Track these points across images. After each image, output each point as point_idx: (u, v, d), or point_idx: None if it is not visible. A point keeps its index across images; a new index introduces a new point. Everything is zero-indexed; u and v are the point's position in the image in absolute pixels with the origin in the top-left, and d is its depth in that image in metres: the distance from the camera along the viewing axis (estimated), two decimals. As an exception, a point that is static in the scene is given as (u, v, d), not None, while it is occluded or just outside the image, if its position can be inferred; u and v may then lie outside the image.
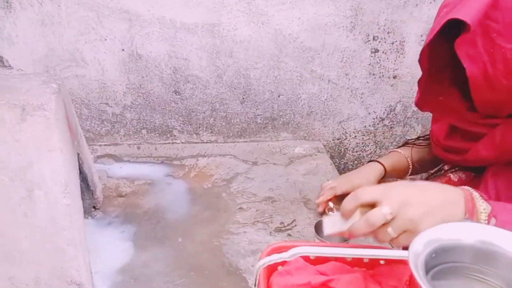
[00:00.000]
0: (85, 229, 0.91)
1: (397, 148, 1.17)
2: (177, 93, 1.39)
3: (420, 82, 0.87)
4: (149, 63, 1.33)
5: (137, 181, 1.27)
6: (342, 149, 1.59)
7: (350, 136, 1.57)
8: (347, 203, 0.64)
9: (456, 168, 0.97)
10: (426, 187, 0.66)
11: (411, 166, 1.13)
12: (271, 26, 1.32)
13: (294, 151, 1.47)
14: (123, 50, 1.30)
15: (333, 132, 1.54)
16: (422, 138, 1.14)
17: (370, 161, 1.17)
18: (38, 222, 0.79)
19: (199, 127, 1.47)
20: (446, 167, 1.00)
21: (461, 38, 0.72)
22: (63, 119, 0.81)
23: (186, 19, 1.27)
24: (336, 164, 1.58)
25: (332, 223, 0.68)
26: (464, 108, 0.83)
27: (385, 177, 1.15)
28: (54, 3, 1.21)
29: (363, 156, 1.62)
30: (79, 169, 0.97)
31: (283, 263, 0.80)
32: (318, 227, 0.99)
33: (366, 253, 0.63)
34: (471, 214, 0.62)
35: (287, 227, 1.12)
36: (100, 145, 1.42)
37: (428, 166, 1.13)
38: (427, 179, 1.07)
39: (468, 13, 0.71)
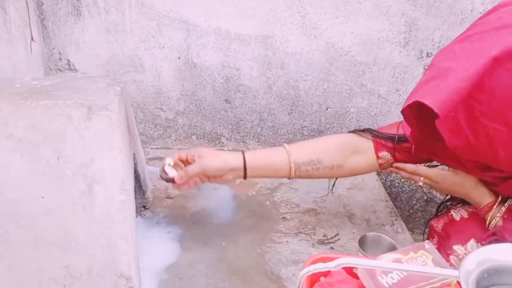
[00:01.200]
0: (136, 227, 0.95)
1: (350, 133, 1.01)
2: (228, 102, 1.43)
3: (411, 134, 0.86)
4: (203, 72, 1.38)
5: (185, 185, 1.30)
6: (389, 166, 1.57)
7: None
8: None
9: (459, 205, 0.97)
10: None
11: (293, 167, 0.96)
12: (323, 39, 1.34)
13: (339, 165, 1.47)
14: (179, 58, 1.35)
15: (380, 147, 1.52)
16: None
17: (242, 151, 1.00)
18: (95, 216, 0.83)
19: (247, 135, 1.50)
20: (448, 203, 1.00)
21: (441, 118, 0.71)
22: (124, 120, 0.86)
23: (241, 30, 1.31)
24: (382, 181, 1.56)
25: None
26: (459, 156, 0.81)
27: (247, 173, 0.97)
28: (119, 12, 1.28)
29: (411, 174, 1.59)
30: (134, 168, 1.01)
31: (326, 274, 0.80)
32: (362, 242, 0.98)
33: (413, 269, 0.63)
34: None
35: (330, 240, 1.12)
36: (152, 148, 1.48)
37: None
38: (436, 213, 1.06)
39: (440, 97, 0.71)
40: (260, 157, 0.96)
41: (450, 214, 0.97)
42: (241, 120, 1.46)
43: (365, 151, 0.97)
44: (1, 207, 0.81)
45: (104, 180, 0.82)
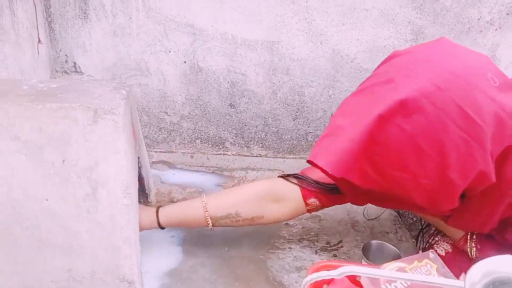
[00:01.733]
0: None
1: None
2: (232, 107, 1.43)
3: (344, 191, 0.90)
4: (208, 76, 1.38)
5: (189, 189, 1.31)
6: (393, 173, 1.56)
7: (402, 160, 1.54)
8: None
9: (438, 238, 0.98)
10: None
11: (210, 222, 0.96)
12: (329, 46, 1.34)
13: (343, 171, 1.46)
14: (185, 62, 1.36)
15: (385, 155, 1.52)
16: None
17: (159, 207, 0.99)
18: (99, 219, 0.84)
19: (251, 140, 1.49)
20: (431, 241, 1.00)
21: (341, 173, 0.75)
22: (129, 123, 0.87)
23: (247, 35, 1.31)
24: (386, 187, 1.55)
25: None
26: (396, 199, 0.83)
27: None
28: (126, 16, 1.29)
29: (415, 182, 1.58)
30: (138, 172, 1.02)
31: (329, 282, 0.80)
32: (365, 250, 0.98)
33: (418, 278, 0.62)
34: None
35: (333, 247, 1.11)
36: (156, 152, 1.48)
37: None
38: (417, 241, 1.08)
39: (330, 160, 0.75)
40: (175, 214, 0.96)
41: (433, 249, 0.97)
42: (246, 125, 1.46)
43: (290, 198, 0.95)
44: (6, 208, 0.81)
45: (109, 183, 0.82)
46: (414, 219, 1.63)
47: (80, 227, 0.83)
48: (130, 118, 0.88)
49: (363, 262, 0.94)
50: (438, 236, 1.01)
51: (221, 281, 0.98)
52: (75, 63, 1.35)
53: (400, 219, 1.24)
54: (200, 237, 1.11)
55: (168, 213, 0.96)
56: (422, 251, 1.02)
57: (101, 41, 1.32)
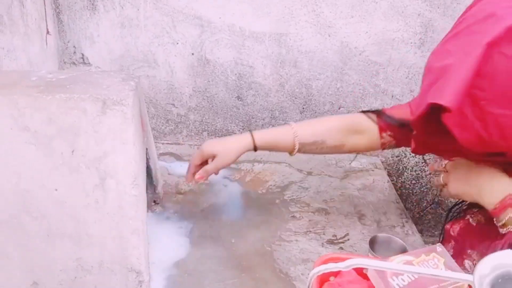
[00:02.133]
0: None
1: (360, 113, 1.06)
2: (240, 99, 1.43)
3: (414, 137, 0.85)
4: (216, 68, 1.38)
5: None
6: (401, 167, 1.56)
7: (410, 154, 1.53)
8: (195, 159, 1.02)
9: (475, 210, 0.94)
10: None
11: (296, 148, 1.04)
12: (337, 38, 1.33)
13: (350, 165, 1.46)
14: (192, 54, 1.36)
15: (392, 150, 1.51)
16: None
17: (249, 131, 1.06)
18: (107, 209, 0.84)
19: (258, 133, 1.49)
20: (465, 207, 0.97)
21: (448, 114, 0.71)
22: (138, 115, 0.87)
23: (255, 27, 1.31)
24: (393, 182, 1.55)
25: None
26: (464, 149, 0.78)
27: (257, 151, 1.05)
28: (134, 7, 1.29)
29: (422, 176, 1.58)
30: (146, 163, 1.02)
31: (336, 274, 0.80)
32: (372, 243, 0.98)
33: (425, 271, 0.62)
34: None
35: (339, 240, 1.11)
36: (163, 143, 1.48)
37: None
38: (446, 217, 1.03)
39: (450, 93, 0.71)
40: (268, 138, 1.03)
41: (466, 218, 0.95)
42: (253, 118, 1.46)
43: (368, 131, 1.03)
44: (15, 198, 0.82)
45: (117, 174, 0.83)
46: (421, 213, 1.63)
47: (89, 217, 0.84)
48: (139, 109, 0.88)
49: (370, 255, 0.94)
50: (476, 209, 0.98)
51: (227, 273, 0.99)
52: (83, 54, 1.36)
53: (406, 213, 1.24)
54: (207, 229, 1.12)
55: (262, 135, 1.03)
56: (453, 221, 0.99)
57: (109, 33, 1.32)
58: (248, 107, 1.44)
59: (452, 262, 0.75)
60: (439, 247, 0.77)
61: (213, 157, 1.02)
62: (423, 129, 0.82)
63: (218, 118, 1.47)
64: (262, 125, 1.47)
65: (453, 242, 0.96)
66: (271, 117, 1.46)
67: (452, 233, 0.96)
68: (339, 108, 1.44)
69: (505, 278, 0.50)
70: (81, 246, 0.86)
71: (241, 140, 1.02)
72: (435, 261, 0.75)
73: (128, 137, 0.82)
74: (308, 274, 0.88)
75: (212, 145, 1.04)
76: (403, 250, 0.94)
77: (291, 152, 1.05)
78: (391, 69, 1.37)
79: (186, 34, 1.33)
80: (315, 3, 1.28)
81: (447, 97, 0.70)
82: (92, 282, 0.88)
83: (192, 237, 1.09)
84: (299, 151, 1.04)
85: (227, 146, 1.03)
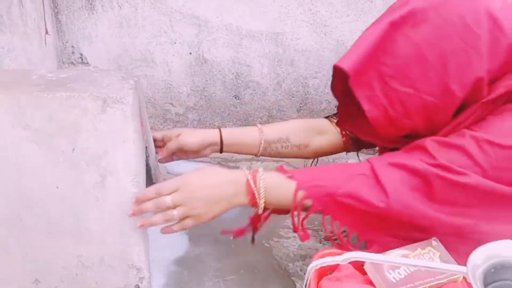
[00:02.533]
0: (146, 218, 0.97)
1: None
2: (237, 98, 1.44)
3: (338, 107, 0.96)
4: (213, 68, 1.39)
5: (194, 179, 1.32)
6: (396, 165, 1.57)
7: (406, 152, 1.55)
8: (148, 191, 0.84)
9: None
10: (205, 172, 0.85)
11: (262, 144, 1.03)
12: (333, 37, 1.34)
13: (347, 162, 1.47)
14: (190, 53, 1.37)
15: (388, 146, 1.53)
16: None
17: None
18: (107, 206, 0.85)
19: (255, 132, 1.51)
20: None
21: (354, 80, 0.77)
22: (138, 113, 0.88)
23: (252, 27, 1.32)
24: (389, 179, 1.56)
25: None
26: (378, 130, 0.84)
27: (223, 149, 1.06)
28: (132, 7, 1.30)
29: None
30: (146, 161, 1.03)
31: (334, 269, 0.81)
32: None
33: (421, 264, 0.64)
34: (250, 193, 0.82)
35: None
36: (161, 142, 1.49)
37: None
38: None
39: (349, 58, 0.78)
40: (235, 133, 1.05)
41: None
42: (250, 117, 1.48)
43: (330, 132, 1.07)
44: (16, 195, 0.83)
45: (117, 171, 0.84)
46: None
47: (89, 214, 0.85)
48: (138, 108, 0.89)
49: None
50: None
51: (226, 269, 1.00)
52: (81, 54, 1.37)
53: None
54: (206, 227, 1.12)
55: (229, 130, 1.06)
56: None
57: (107, 32, 1.33)
58: (245, 106, 1.46)
59: (448, 255, 0.76)
60: (434, 241, 0.78)
61: (177, 136, 1.03)
62: (341, 100, 0.92)
63: (216, 117, 1.48)
64: (260, 123, 1.48)
65: None
66: (268, 116, 1.47)
67: None
68: (336, 107, 1.45)
69: (497, 268, 0.51)
70: (82, 243, 0.87)
71: (208, 131, 1.05)
72: (430, 255, 0.77)
73: (128, 135, 0.83)
74: (307, 269, 0.90)
75: (177, 128, 1.10)
76: None
77: (256, 153, 1.05)
78: (387, 67, 1.39)
79: (184, 33, 1.34)
80: (311, 2, 1.29)
81: (346, 61, 0.77)
82: (93, 278, 0.89)
83: (191, 235, 1.10)
84: (264, 150, 1.04)
85: (192, 129, 1.09)
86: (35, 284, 0.88)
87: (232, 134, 1.04)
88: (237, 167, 1.41)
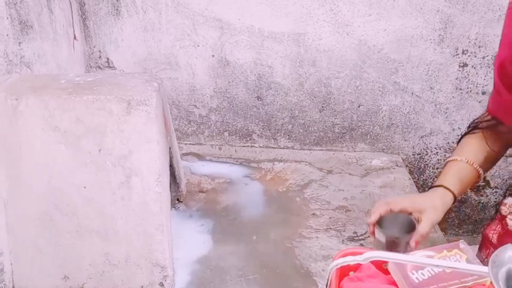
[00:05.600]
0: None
1: (465, 136, 0.95)
2: (259, 99, 1.45)
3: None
4: (236, 69, 1.40)
5: (218, 179, 1.34)
6: (422, 165, 1.55)
7: (432, 152, 1.52)
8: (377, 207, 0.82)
9: None
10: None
11: (481, 171, 0.90)
12: (355, 36, 1.34)
13: (371, 163, 1.46)
14: (213, 56, 1.39)
15: (413, 146, 1.51)
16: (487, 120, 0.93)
17: (433, 186, 0.91)
18: (132, 206, 0.88)
19: (277, 132, 1.51)
20: (503, 210, 0.91)
21: None
22: (161, 114, 0.90)
23: (274, 28, 1.33)
24: (414, 180, 1.54)
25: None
26: None
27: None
28: (156, 11, 1.33)
29: (444, 174, 1.56)
30: (169, 162, 1.05)
31: (355, 269, 0.81)
32: (379, 223, 0.92)
33: (443, 264, 0.63)
34: None
35: (360, 237, 1.12)
36: (185, 144, 1.52)
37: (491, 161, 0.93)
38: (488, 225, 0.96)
39: None
40: (461, 185, 0.90)
41: (505, 221, 0.91)
42: (272, 117, 1.48)
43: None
44: (47, 195, 0.86)
45: (142, 172, 0.86)
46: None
47: (115, 213, 0.88)
48: (162, 109, 0.91)
49: (378, 234, 0.89)
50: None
51: (249, 269, 1.01)
52: (108, 58, 1.40)
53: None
54: (229, 226, 1.14)
55: (456, 186, 0.88)
56: (490, 225, 0.93)
57: (132, 37, 1.37)
58: (268, 106, 1.46)
59: (475, 259, 0.74)
60: (462, 244, 0.76)
61: (419, 212, 0.85)
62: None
63: (239, 118, 1.49)
64: (282, 124, 1.49)
65: (492, 249, 0.91)
66: (290, 117, 1.47)
67: (492, 239, 0.91)
68: (359, 106, 1.44)
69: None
70: (109, 242, 0.90)
71: (442, 198, 0.86)
72: (457, 257, 0.74)
73: (152, 136, 0.85)
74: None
75: (399, 199, 0.89)
76: (411, 223, 0.88)
77: (477, 181, 0.92)
78: (410, 66, 1.37)
79: (207, 36, 1.36)
80: (332, 2, 1.29)
81: None
82: (119, 276, 0.91)
83: (214, 234, 1.11)
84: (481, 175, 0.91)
85: (428, 203, 0.86)
86: (64, 280, 0.91)
87: (460, 186, 0.89)
88: (260, 168, 1.41)
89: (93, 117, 0.84)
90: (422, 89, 1.41)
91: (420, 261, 0.63)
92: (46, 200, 0.86)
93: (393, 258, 0.66)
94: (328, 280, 0.72)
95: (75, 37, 1.27)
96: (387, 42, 1.34)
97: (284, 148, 1.53)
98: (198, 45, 1.37)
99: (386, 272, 0.77)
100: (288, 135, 1.52)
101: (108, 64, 1.42)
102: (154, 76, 0.95)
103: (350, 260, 0.68)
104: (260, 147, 1.54)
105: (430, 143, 1.50)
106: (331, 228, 1.15)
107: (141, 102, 0.84)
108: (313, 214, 1.20)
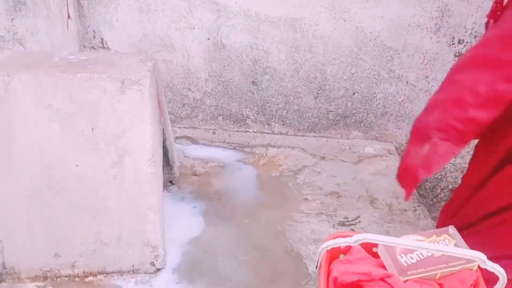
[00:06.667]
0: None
1: None
2: (254, 84, 1.45)
3: None
4: (231, 53, 1.39)
5: (211, 163, 1.34)
6: (414, 154, 1.56)
7: (424, 140, 1.53)
8: None
9: None
10: None
11: None
12: (352, 23, 1.33)
13: (364, 150, 1.47)
14: (208, 39, 1.38)
15: (407, 134, 1.51)
16: None
17: None
18: (125, 185, 0.88)
19: (272, 118, 1.51)
20: None
21: None
22: (155, 95, 0.90)
23: (271, 12, 1.32)
24: (406, 168, 1.55)
25: None
26: None
27: None
28: (152, -8, 1.31)
29: (436, 163, 1.57)
30: (163, 144, 1.05)
31: (345, 252, 0.82)
32: None
33: (435, 248, 0.63)
34: None
35: (351, 222, 1.13)
36: (179, 127, 1.51)
37: None
38: None
39: None
40: None
41: None
42: (267, 103, 1.48)
43: None
44: (39, 173, 0.86)
45: (135, 151, 0.86)
46: (434, 200, 1.63)
47: (108, 192, 0.88)
48: (156, 90, 0.91)
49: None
50: None
51: (240, 250, 1.02)
52: (102, 38, 1.39)
53: (418, 197, 1.25)
54: (221, 209, 1.15)
55: None
56: None
57: (127, 17, 1.35)
58: (263, 92, 1.46)
59: (463, 244, 0.75)
60: (451, 229, 0.77)
61: None
62: None
63: (233, 102, 1.49)
64: (277, 110, 1.49)
65: None
66: (285, 102, 1.47)
67: None
68: (354, 94, 1.44)
69: None
70: (101, 220, 0.90)
71: None
72: (445, 242, 0.76)
73: (146, 116, 0.85)
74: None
75: None
76: None
77: None
78: (406, 54, 1.37)
79: (203, 18, 1.35)
80: (330, -12, 1.28)
81: None
82: (111, 255, 0.92)
83: (207, 217, 1.12)
84: None
85: None
86: (55, 258, 0.92)
87: None
88: (253, 153, 1.42)
89: (86, 96, 0.83)
90: (417, 78, 1.41)
91: (410, 244, 0.64)
92: (38, 178, 0.86)
93: (383, 241, 0.66)
94: (318, 262, 0.73)
95: (69, 16, 1.25)
96: (383, 29, 1.33)
97: (278, 133, 1.53)
98: (194, 28, 1.36)
99: (376, 256, 0.78)
100: (283, 121, 1.52)
101: (103, 44, 1.40)
102: (149, 56, 0.95)
103: (341, 242, 0.69)
104: (254, 132, 1.54)
105: (423, 132, 1.51)
106: (322, 213, 1.16)
107: (135, 82, 0.83)
108: (305, 199, 1.21)
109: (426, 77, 1.41)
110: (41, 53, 0.99)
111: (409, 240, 0.66)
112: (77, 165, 0.86)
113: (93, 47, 1.40)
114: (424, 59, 1.38)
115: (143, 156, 0.86)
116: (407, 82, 1.42)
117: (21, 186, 0.87)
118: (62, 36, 1.22)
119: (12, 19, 0.92)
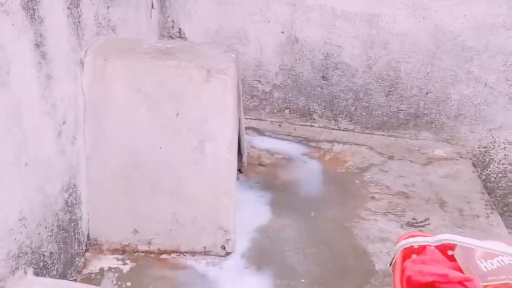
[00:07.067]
0: (235, 186, 1.02)
1: None
2: (324, 79, 1.45)
3: None
4: (304, 47, 1.40)
5: (276, 155, 1.36)
6: (487, 159, 1.49)
7: (499, 146, 1.46)
8: None
9: None
10: None
11: None
12: (432, 21, 1.29)
13: (433, 152, 1.43)
14: (282, 32, 1.39)
15: (480, 139, 1.45)
16: None
17: None
18: (204, 171, 0.92)
19: (339, 114, 1.50)
20: None
21: None
22: (236, 85, 0.93)
23: (347, 7, 1.31)
24: (477, 173, 1.49)
25: None
26: None
27: None
28: (231, -15, 1.34)
29: (510, 171, 1.50)
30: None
31: (419, 252, 0.81)
32: None
33: (520, 255, 0.61)
34: None
35: (419, 224, 1.11)
36: (246, 118, 1.54)
37: None
38: None
39: None
40: None
41: None
42: (336, 98, 1.48)
43: None
44: (126, 153, 0.92)
45: (215, 138, 0.90)
46: (505, 208, 1.56)
47: (187, 176, 0.92)
48: (237, 80, 0.94)
49: None
50: None
51: (306, 243, 1.03)
52: (180, 29, 1.44)
53: (492, 204, 1.20)
54: (287, 200, 1.17)
55: None
56: None
57: (206, 9, 1.40)
58: (332, 87, 1.46)
59: None
60: None
61: None
62: None
63: (301, 96, 1.50)
64: (345, 106, 1.48)
65: None
66: (354, 99, 1.46)
67: None
68: (427, 94, 1.41)
69: None
70: (178, 202, 0.95)
71: None
72: None
73: (228, 105, 0.88)
74: (387, 252, 0.90)
75: None
76: None
77: None
78: (487, 55, 1.31)
79: (278, 12, 1.36)
80: (411, -16, 1.25)
81: None
82: (185, 235, 0.96)
83: (273, 206, 1.14)
84: None
85: None
86: (134, 233, 0.97)
87: None
88: (318, 147, 1.42)
89: (173, 82, 0.88)
90: (497, 80, 1.35)
91: (499, 249, 0.62)
92: (125, 157, 0.92)
93: (467, 243, 0.65)
94: (393, 259, 0.73)
95: (152, 6, 1.31)
96: (465, 29, 1.28)
97: (344, 130, 1.52)
98: (269, 21, 1.38)
99: (450, 259, 0.76)
100: (350, 117, 1.50)
101: (180, 34, 1.46)
102: (232, 47, 0.98)
103: (421, 241, 0.68)
104: (320, 127, 1.54)
105: (498, 137, 1.44)
106: (390, 212, 1.14)
107: (220, 71, 0.87)
108: (372, 197, 1.20)
109: (507, 80, 1.34)
110: (131, 39, 1.05)
111: (499, 245, 0.64)
112: (160, 148, 0.91)
113: (171, 37, 1.46)
114: (506, 61, 1.32)
115: (223, 143, 0.89)
116: (485, 84, 1.36)
117: (109, 164, 0.93)
118: (146, 24, 1.28)
119: (108, 7, 0.98)
